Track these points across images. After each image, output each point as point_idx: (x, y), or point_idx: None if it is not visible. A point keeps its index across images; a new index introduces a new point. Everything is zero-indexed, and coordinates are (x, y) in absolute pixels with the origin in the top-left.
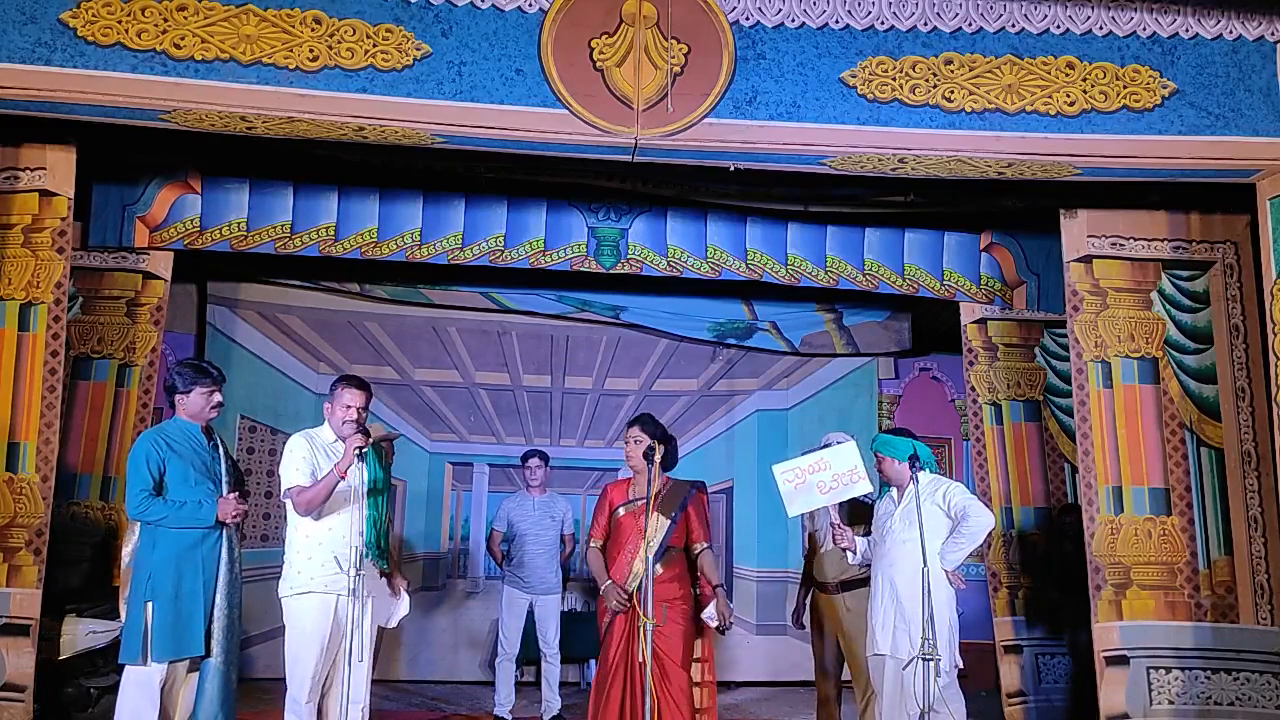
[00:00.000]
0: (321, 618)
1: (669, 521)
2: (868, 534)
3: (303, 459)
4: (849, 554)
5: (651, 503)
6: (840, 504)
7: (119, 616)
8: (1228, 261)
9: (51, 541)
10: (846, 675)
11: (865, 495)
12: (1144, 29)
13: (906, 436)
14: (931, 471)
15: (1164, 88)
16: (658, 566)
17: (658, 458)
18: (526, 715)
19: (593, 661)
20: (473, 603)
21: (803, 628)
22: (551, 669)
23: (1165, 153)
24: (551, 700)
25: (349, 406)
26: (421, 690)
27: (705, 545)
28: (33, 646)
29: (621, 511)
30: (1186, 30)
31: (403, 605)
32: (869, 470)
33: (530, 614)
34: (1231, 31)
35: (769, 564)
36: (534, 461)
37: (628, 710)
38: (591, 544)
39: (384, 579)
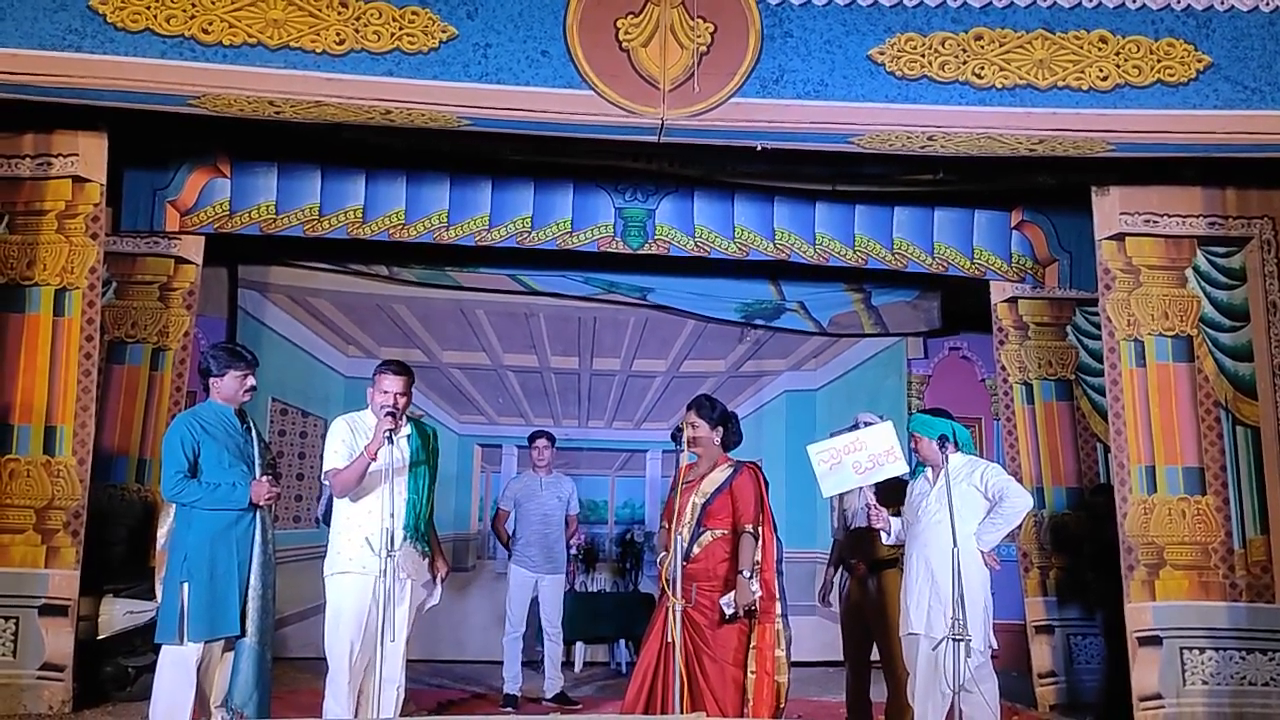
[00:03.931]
0: (358, 598)
1: (702, 501)
2: (898, 514)
3: (341, 442)
4: (883, 534)
5: (680, 483)
6: (875, 483)
7: (155, 597)
8: (1264, 237)
9: (89, 523)
10: (876, 656)
11: (901, 475)
12: (1178, 1)
13: (944, 417)
14: (967, 453)
15: (1199, 61)
16: (695, 548)
17: (685, 439)
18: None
19: (621, 642)
20: (502, 584)
21: (830, 606)
22: (554, 647)
23: (1200, 127)
24: (553, 678)
25: (385, 392)
26: (450, 670)
27: (746, 528)
28: (72, 626)
29: (679, 491)
30: (1222, 2)
31: (435, 593)
32: (904, 450)
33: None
34: (1268, 3)
35: (798, 544)
36: (542, 442)
37: (658, 691)
38: (662, 524)
39: (425, 561)
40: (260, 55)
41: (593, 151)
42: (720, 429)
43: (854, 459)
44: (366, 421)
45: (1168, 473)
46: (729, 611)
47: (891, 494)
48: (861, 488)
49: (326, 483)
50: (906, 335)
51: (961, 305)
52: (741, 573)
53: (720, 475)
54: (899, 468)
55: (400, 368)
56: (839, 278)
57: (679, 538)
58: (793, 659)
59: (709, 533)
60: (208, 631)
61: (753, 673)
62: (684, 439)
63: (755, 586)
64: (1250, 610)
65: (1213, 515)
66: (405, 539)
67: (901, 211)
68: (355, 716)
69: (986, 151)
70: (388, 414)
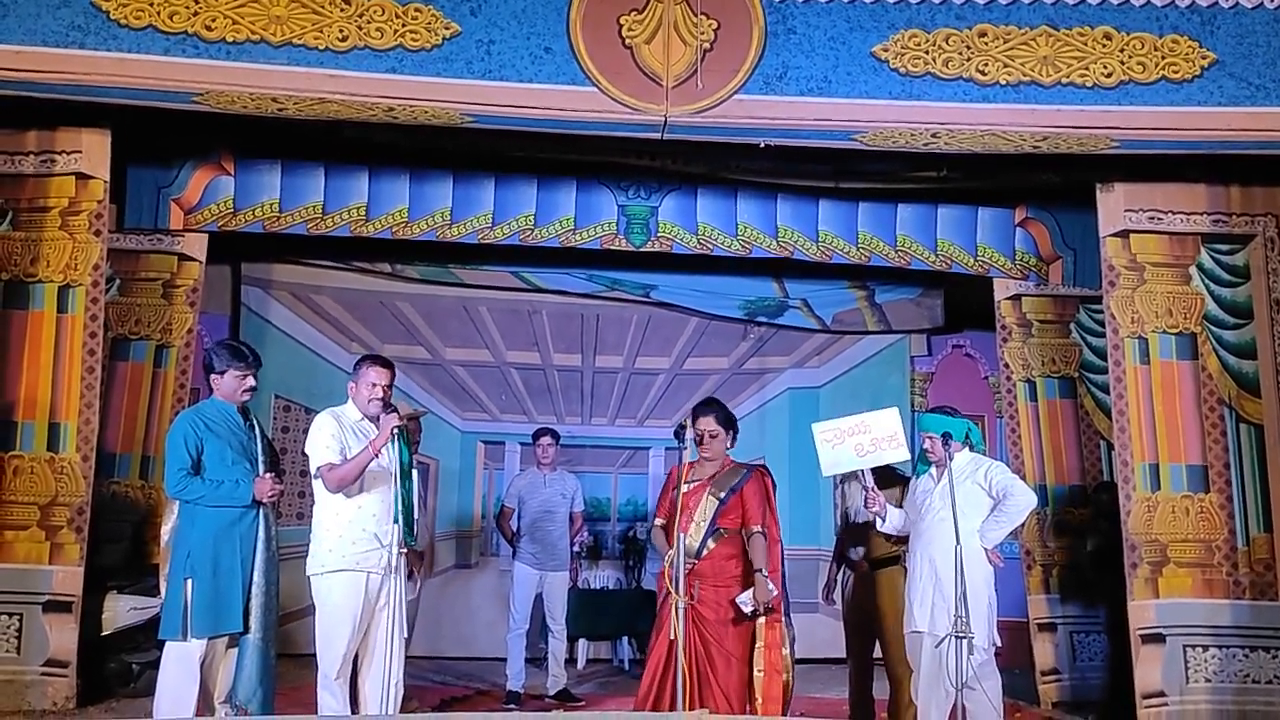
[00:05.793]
0: (353, 595)
1: (716, 502)
2: (897, 505)
3: (332, 436)
4: (878, 519)
5: (682, 481)
6: (874, 469)
7: (159, 593)
8: (1268, 235)
9: (92, 520)
10: (878, 653)
11: (901, 464)
12: None
13: (948, 414)
14: (976, 450)
15: (1203, 58)
16: (707, 547)
17: (691, 437)
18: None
19: (624, 638)
20: (505, 580)
21: (833, 603)
22: (558, 644)
23: (1205, 124)
24: (557, 675)
25: (374, 385)
26: (454, 667)
27: (757, 529)
28: (76, 623)
29: (683, 490)
30: None
31: (412, 588)
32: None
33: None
34: (1273, 0)
35: (801, 541)
36: (547, 439)
37: (668, 688)
38: (656, 522)
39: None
40: (263, 52)
41: (596, 148)
42: (732, 431)
43: (856, 440)
44: (351, 415)
45: (1171, 470)
46: (748, 610)
47: (885, 485)
48: (861, 472)
49: (317, 479)
50: (910, 332)
51: (965, 302)
52: (760, 571)
53: (733, 477)
54: (900, 454)
55: (385, 361)
56: (842, 275)
57: (684, 536)
58: (796, 656)
59: (721, 532)
60: (211, 628)
61: (760, 671)
62: (688, 437)
63: (772, 585)
64: (1253, 608)
65: (1216, 513)
66: (400, 532)
67: (905, 209)
68: (352, 713)
69: (990, 148)
70: (391, 410)
